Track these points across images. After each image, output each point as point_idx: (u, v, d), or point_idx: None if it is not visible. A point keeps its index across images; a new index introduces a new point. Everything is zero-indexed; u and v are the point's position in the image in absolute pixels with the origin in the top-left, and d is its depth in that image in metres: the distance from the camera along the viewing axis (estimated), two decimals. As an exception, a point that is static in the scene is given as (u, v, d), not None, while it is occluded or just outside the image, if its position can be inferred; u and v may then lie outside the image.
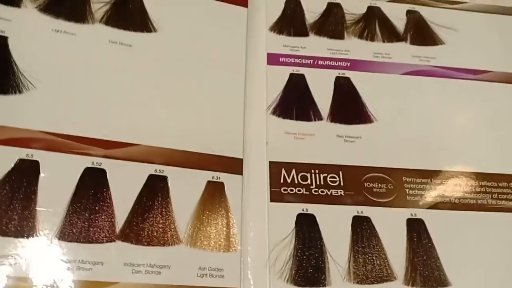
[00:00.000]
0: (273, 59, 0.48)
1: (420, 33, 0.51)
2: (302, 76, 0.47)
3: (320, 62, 0.48)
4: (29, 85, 0.38)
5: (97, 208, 0.35)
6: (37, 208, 0.34)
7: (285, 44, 0.49)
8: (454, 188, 0.41)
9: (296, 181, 0.40)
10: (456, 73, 0.49)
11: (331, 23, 0.51)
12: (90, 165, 0.36)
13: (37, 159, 0.35)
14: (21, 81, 0.38)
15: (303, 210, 0.38)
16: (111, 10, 0.44)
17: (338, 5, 0.53)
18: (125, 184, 0.37)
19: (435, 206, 0.40)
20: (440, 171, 0.42)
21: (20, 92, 0.37)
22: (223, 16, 0.49)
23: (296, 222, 0.38)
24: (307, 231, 0.37)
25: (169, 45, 0.45)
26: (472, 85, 0.48)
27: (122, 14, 0.45)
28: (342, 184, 0.40)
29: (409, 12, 0.53)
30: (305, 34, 0.50)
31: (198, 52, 0.46)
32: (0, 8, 0.40)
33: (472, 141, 0.45)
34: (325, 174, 0.40)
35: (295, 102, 0.45)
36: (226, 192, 0.39)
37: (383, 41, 0.50)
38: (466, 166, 0.43)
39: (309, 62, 0.48)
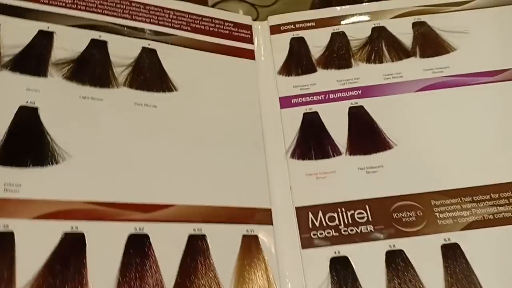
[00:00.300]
0: (286, 102, 0.49)
1: (429, 44, 0.51)
2: (315, 114, 0.48)
3: (331, 96, 0.48)
4: (64, 154, 0.39)
5: (145, 275, 0.36)
6: (89, 282, 0.35)
7: (294, 84, 0.50)
8: (487, 204, 0.40)
9: (324, 224, 0.41)
10: (472, 78, 0.48)
11: (337, 54, 0.51)
12: (133, 231, 0.38)
13: (82, 231, 0.36)
14: (56, 151, 0.39)
15: (335, 253, 0.39)
16: (132, 73, 0.46)
17: (341, 34, 0.53)
18: (168, 247, 0.38)
19: (468, 226, 0.39)
20: (469, 187, 0.41)
21: (56, 162, 0.39)
22: (234, 69, 0.51)
23: (330, 267, 0.38)
24: (342, 275, 0.38)
25: (190, 103, 0.47)
26: (491, 88, 0.47)
27: (143, 76, 0.47)
28: (370, 219, 0.40)
29: (415, 25, 0.53)
30: (313, 70, 0.51)
31: (215, 107, 0.48)
32: (28, 80, 0.42)
33: (500, 149, 0.43)
34: (352, 211, 0.41)
35: (312, 141, 0.46)
36: (261, 245, 0.40)
37: (392, 61, 0.50)
38: (497, 178, 0.42)
39: (320, 98, 0.49)
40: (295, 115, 0.48)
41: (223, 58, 0.52)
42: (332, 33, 0.53)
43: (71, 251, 0.36)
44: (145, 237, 0.38)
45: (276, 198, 0.43)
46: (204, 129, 0.46)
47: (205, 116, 0.47)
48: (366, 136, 0.45)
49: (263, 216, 0.42)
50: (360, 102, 0.47)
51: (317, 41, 0.53)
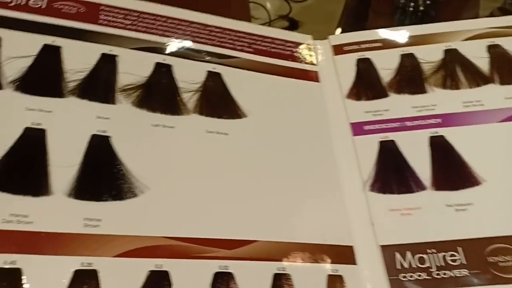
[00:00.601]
0: (358, 128, 0.46)
1: (509, 69, 0.48)
2: (392, 143, 0.45)
3: (408, 124, 0.46)
4: (142, 187, 0.37)
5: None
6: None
7: (366, 110, 0.48)
8: None
9: (414, 265, 0.38)
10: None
11: (409, 78, 0.49)
12: (218, 270, 0.36)
13: (167, 269, 0.34)
14: (133, 183, 0.37)
15: (430, 299, 0.36)
16: (201, 98, 0.44)
17: (411, 56, 0.51)
18: (253, 286, 0.36)
19: None
20: None
21: (135, 195, 0.37)
22: (299, 93, 0.49)
23: (425, 315, 0.36)
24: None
25: (259, 130, 0.45)
26: None
27: (212, 102, 0.45)
28: (465, 262, 0.38)
29: (490, 48, 0.50)
30: (384, 95, 0.48)
31: (285, 134, 0.45)
32: (98, 107, 0.40)
33: None
34: (444, 253, 0.38)
35: (392, 174, 0.43)
36: (346, 287, 0.38)
37: (470, 87, 0.48)
38: None
39: (396, 125, 0.46)
40: (370, 143, 0.45)
41: (288, 81, 0.49)
42: (401, 55, 0.51)
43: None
44: (230, 276, 0.36)
45: (358, 234, 0.40)
46: (277, 158, 0.44)
47: (276, 144, 0.44)
48: (452, 170, 0.43)
49: (346, 255, 0.39)
50: (441, 131, 0.45)
51: (385, 63, 0.50)
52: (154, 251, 0.35)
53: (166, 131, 0.41)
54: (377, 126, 0.46)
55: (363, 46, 0.52)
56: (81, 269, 0.33)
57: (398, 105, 0.47)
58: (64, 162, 0.36)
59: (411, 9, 0.93)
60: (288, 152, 0.44)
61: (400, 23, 0.92)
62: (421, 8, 0.92)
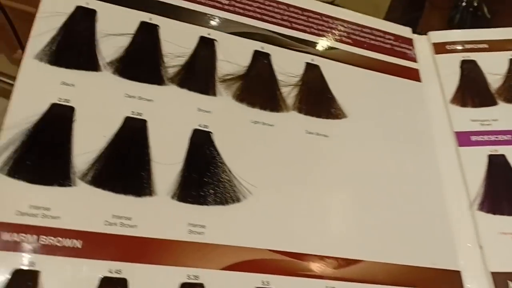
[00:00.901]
0: (463, 138, 0.43)
1: None
2: (503, 158, 0.41)
3: (520, 137, 0.42)
4: (245, 191, 0.34)
5: None
6: None
7: (472, 118, 0.44)
8: None
9: (531, 298, 0.35)
10: None
11: (521, 86, 0.45)
12: None
13: (273, 286, 0.32)
14: (236, 187, 0.34)
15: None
16: (300, 95, 0.40)
17: (522, 61, 0.46)
18: None
19: None
20: None
21: (238, 200, 0.34)
22: (400, 93, 0.45)
23: None
24: None
25: (360, 133, 0.41)
26: None
27: (312, 99, 0.41)
28: None
29: None
30: (493, 103, 0.45)
31: (387, 140, 0.42)
32: (199, 99, 0.36)
33: None
34: None
35: (503, 192, 0.40)
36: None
37: None
38: None
39: (507, 138, 0.42)
40: (478, 157, 0.42)
41: (388, 78, 0.45)
42: (511, 59, 0.46)
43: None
44: None
45: (464, 258, 0.37)
46: (380, 167, 0.40)
47: (378, 151, 0.41)
48: None
49: (453, 281, 0.36)
50: (559, 149, 0.41)
51: (493, 67, 0.46)
52: (260, 266, 0.32)
53: (266, 130, 0.38)
54: (485, 138, 0.42)
55: (468, 46, 0.48)
56: (188, 282, 0.30)
57: (508, 115, 0.43)
58: (166, 158, 0.33)
59: (464, 3, 0.87)
60: (392, 161, 0.41)
61: (452, 18, 0.87)
62: (475, 4, 0.87)
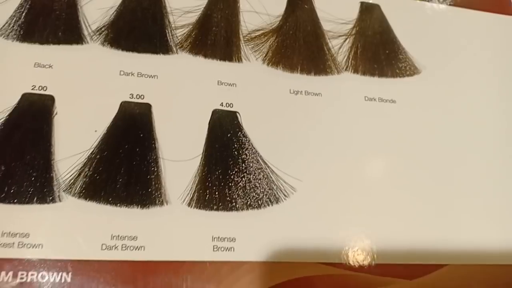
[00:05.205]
0: None
1: None
2: None
3: None
4: (285, 187, 0.26)
5: None
6: None
7: None
8: None
9: None
10: None
11: None
12: None
13: None
14: (274, 183, 0.26)
15: None
16: (355, 48, 0.31)
17: None
18: None
19: None
20: None
21: (277, 201, 0.26)
22: (492, 30, 0.33)
23: None
24: None
25: (440, 93, 0.31)
26: None
27: (371, 53, 0.31)
28: None
29: None
30: None
31: (474, 104, 0.32)
32: (218, 67, 0.28)
33: None
34: None
35: None
36: None
37: None
38: None
39: None
40: None
41: (475, 15, 0.34)
42: None
43: None
44: None
45: None
46: (464, 143, 0.30)
47: (462, 119, 0.31)
48: None
49: None
50: None
51: None
52: (313, 285, 0.24)
53: (311, 101, 0.28)
54: None
55: None
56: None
57: None
58: (179, 154, 0.25)
59: None
60: (483, 129, 0.30)
61: None
62: None
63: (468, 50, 0.33)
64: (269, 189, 0.26)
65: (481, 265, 0.27)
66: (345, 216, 0.26)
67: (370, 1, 0.32)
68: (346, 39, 0.31)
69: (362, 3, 0.32)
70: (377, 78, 0.30)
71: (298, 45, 0.29)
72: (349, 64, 0.30)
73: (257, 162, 0.26)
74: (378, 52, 0.31)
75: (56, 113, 0.24)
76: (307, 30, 0.30)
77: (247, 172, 0.25)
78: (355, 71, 0.30)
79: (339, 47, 0.30)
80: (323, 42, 0.30)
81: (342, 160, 0.27)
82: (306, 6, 0.31)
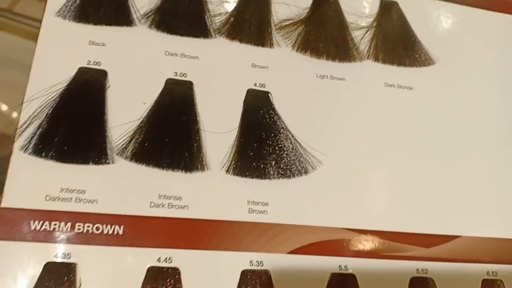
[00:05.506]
0: None
1: None
2: None
3: None
4: (312, 161, 0.28)
5: None
6: None
7: None
8: None
9: None
10: None
11: None
12: (416, 275, 0.27)
13: (353, 272, 0.26)
14: (302, 156, 0.28)
15: None
16: (376, 39, 0.33)
17: None
18: None
19: None
20: None
21: (305, 172, 0.28)
22: (503, 30, 0.36)
23: None
24: None
25: (453, 83, 0.34)
26: None
27: (390, 43, 0.34)
28: None
29: None
30: None
31: (487, 93, 0.34)
32: (252, 51, 0.30)
33: None
34: None
35: None
36: None
37: None
38: None
39: None
40: None
41: (486, 15, 0.37)
42: None
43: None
44: (429, 281, 0.27)
45: None
46: (480, 126, 0.33)
47: (475, 105, 0.33)
48: None
49: None
50: None
51: None
52: (336, 248, 0.27)
53: (335, 85, 0.31)
54: None
55: None
56: (251, 269, 0.25)
57: None
58: (218, 126, 0.28)
59: None
60: (494, 119, 0.33)
61: None
62: None
63: (478, 49, 0.35)
64: (298, 161, 0.28)
65: (490, 238, 0.30)
66: (367, 187, 0.29)
67: (389, -1, 0.35)
68: (368, 30, 0.33)
69: (381, 0, 0.35)
70: (396, 67, 0.33)
71: (324, 35, 0.32)
72: (370, 53, 0.33)
73: (287, 137, 0.28)
74: (397, 43, 0.33)
75: (109, 86, 0.27)
76: (332, 21, 0.33)
77: (278, 145, 0.28)
78: (376, 59, 0.33)
79: (361, 37, 0.33)
80: (347, 32, 0.33)
81: (363, 138, 0.30)
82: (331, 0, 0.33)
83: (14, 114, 0.25)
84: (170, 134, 0.26)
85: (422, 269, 0.28)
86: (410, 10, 0.35)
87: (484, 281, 0.28)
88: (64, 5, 0.28)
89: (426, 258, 0.28)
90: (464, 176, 0.31)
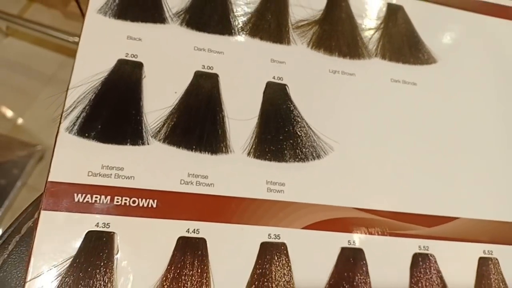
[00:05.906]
0: None
1: None
2: None
3: None
4: (325, 147, 0.31)
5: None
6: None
7: None
8: None
9: None
10: None
11: None
12: (418, 250, 0.30)
13: (361, 247, 0.29)
14: (315, 142, 0.31)
15: None
16: (383, 39, 0.36)
17: None
18: (455, 270, 0.30)
19: None
20: None
21: (318, 157, 0.31)
22: (497, 33, 0.39)
23: None
24: None
25: (453, 79, 0.37)
26: None
27: (396, 43, 0.37)
28: None
29: None
30: None
31: (484, 88, 0.37)
32: (272, 48, 0.33)
33: None
34: None
35: None
36: None
37: None
38: None
39: None
40: None
41: (482, 19, 0.40)
42: None
43: (350, 267, 0.28)
44: (430, 257, 0.30)
45: None
46: (473, 118, 0.36)
47: (472, 100, 0.36)
48: None
49: None
50: None
51: None
52: (346, 225, 0.30)
53: (346, 79, 0.34)
54: None
55: None
56: (269, 241, 0.28)
57: None
58: (240, 114, 0.31)
59: None
60: (489, 112, 0.36)
61: None
62: None
63: (476, 50, 0.38)
64: (312, 146, 0.31)
65: (487, 220, 0.32)
66: (374, 171, 0.32)
67: (395, 3, 0.38)
68: (376, 31, 0.36)
69: (389, 4, 0.38)
70: (402, 64, 0.36)
71: (336, 34, 0.35)
72: (378, 52, 0.36)
73: (302, 125, 0.31)
74: (402, 43, 0.36)
75: (144, 76, 0.30)
76: (343, 22, 0.36)
77: (294, 132, 0.31)
78: (383, 57, 0.36)
79: (370, 37, 0.36)
80: (357, 33, 0.36)
81: (371, 127, 0.33)
82: (343, 3, 0.37)
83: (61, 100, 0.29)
84: (198, 120, 0.30)
85: (424, 246, 0.30)
86: (414, 14, 0.38)
87: (480, 258, 0.31)
88: (105, 3, 0.31)
89: (428, 236, 0.31)
90: (463, 163, 0.33)
